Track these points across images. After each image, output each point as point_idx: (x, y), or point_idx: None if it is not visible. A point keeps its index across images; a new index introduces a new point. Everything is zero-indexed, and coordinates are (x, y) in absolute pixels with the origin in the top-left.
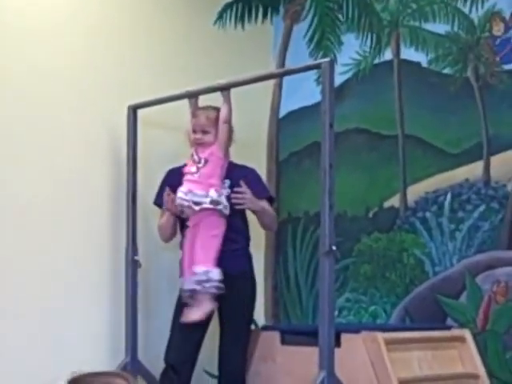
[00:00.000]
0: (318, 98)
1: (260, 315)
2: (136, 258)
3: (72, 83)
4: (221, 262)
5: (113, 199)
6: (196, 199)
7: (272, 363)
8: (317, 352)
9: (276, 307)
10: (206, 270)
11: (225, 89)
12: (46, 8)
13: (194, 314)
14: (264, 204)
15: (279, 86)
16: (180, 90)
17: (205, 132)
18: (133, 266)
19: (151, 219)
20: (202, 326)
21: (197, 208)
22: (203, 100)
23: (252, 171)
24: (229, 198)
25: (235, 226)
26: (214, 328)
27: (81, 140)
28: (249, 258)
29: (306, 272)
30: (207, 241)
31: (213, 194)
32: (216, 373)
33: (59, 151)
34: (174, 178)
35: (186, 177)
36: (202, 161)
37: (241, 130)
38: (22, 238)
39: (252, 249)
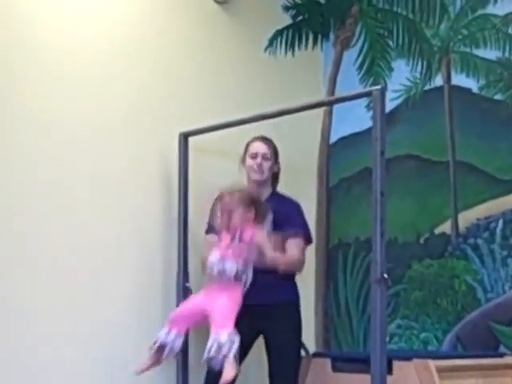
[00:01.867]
0: (368, 123)
1: (311, 342)
2: (187, 284)
3: (125, 110)
4: (267, 291)
5: (164, 226)
6: (222, 268)
7: None
8: (368, 379)
9: (327, 334)
10: (229, 339)
11: (275, 116)
12: (103, 31)
13: (229, 373)
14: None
15: (329, 113)
16: (231, 118)
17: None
18: (184, 292)
19: (202, 246)
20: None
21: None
22: (253, 128)
23: (295, 207)
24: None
25: None
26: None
27: (132, 166)
28: (294, 287)
29: (357, 298)
30: (229, 306)
31: (239, 267)
32: None
33: (110, 176)
34: None
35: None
36: (237, 240)
37: (291, 156)
38: (76, 257)
39: (302, 275)
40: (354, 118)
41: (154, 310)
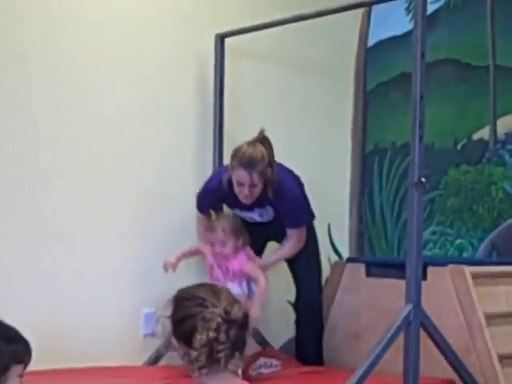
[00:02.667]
0: (407, 27)
1: (345, 248)
2: None
3: (161, 12)
4: None
5: (199, 129)
6: None
7: (356, 295)
8: (402, 285)
9: (361, 240)
10: None
11: (313, 17)
12: None
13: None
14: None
15: (368, 15)
16: (268, 19)
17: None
18: None
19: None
20: None
21: None
22: (291, 28)
23: (289, 201)
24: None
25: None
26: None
27: (168, 69)
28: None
29: (392, 204)
30: None
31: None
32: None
33: (147, 79)
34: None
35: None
36: (231, 273)
37: (328, 59)
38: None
39: (336, 180)
40: (393, 21)
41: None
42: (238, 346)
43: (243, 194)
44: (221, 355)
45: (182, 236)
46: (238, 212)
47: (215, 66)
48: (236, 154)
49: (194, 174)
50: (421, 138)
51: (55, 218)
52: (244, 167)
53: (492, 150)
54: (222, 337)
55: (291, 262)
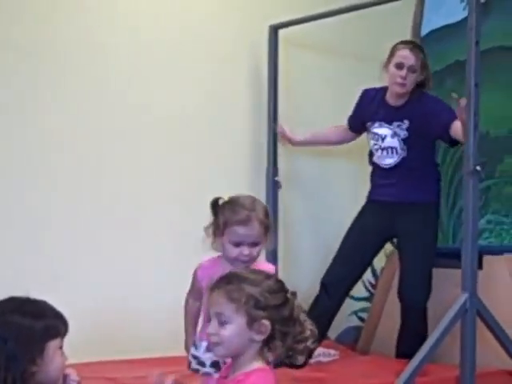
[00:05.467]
0: (461, 15)
1: None
2: (277, 178)
3: (214, 3)
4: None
5: (253, 120)
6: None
7: None
8: (458, 274)
9: None
10: None
11: (367, 6)
12: None
13: None
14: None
15: (421, 4)
16: (321, 10)
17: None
18: (273, 186)
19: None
20: (367, 253)
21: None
22: (344, 19)
23: (437, 101)
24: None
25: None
26: None
27: (222, 61)
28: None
29: (447, 193)
30: None
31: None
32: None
33: (200, 69)
34: (367, 102)
35: None
36: None
37: (381, 48)
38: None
39: None
40: (447, 10)
41: None
42: None
43: (400, 76)
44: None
45: None
46: (374, 127)
47: (269, 56)
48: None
49: (249, 164)
50: (476, 126)
51: (115, 205)
52: (409, 47)
53: None
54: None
55: (399, 244)
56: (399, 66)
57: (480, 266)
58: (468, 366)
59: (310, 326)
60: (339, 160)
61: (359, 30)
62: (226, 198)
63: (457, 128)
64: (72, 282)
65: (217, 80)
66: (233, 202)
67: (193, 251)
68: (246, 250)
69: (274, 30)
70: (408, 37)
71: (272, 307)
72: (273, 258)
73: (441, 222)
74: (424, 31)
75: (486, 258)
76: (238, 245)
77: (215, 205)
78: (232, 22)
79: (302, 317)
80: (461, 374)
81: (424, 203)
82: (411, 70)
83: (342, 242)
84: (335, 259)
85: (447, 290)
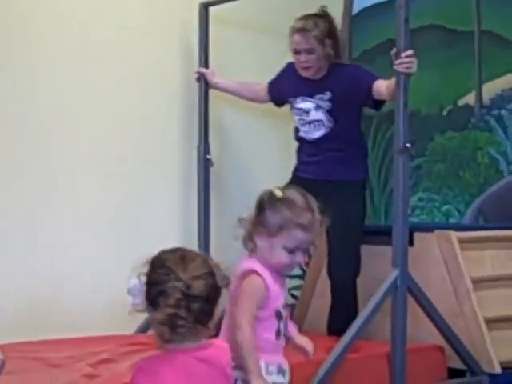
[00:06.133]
0: None
1: None
2: (208, 156)
3: None
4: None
5: (184, 97)
6: None
7: None
8: (390, 251)
9: None
10: None
11: None
12: None
13: None
14: None
15: None
16: None
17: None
18: (205, 164)
19: (224, 116)
20: None
21: None
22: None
23: (351, 68)
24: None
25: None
26: None
27: (151, 38)
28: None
29: (379, 171)
30: None
31: None
32: None
33: (130, 45)
34: (288, 76)
35: None
36: None
37: None
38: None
39: None
40: None
41: (174, 182)
42: (201, 318)
43: (301, 61)
44: (181, 330)
45: (171, 199)
46: (297, 103)
47: (200, 33)
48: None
49: (181, 142)
50: (405, 105)
51: (48, 184)
52: (298, 31)
53: (478, 116)
54: (182, 312)
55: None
56: (296, 52)
57: (411, 243)
58: (399, 341)
59: None
60: (271, 134)
61: (291, 9)
62: (274, 190)
63: (379, 87)
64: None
65: (147, 57)
66: (290, 201)
67: (127, 237)
68: (300, 257)
69: (205, 8)
70: (340, 16)
71: None
72: (205, 236)
73: (373, 200)
74: (356, 9)
75: (418, 235)
76: (292, 251)
77: (268, 200)
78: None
79: None
80: (392, 349)
81: (350, 180)
82: (308, 51)
83: None
84: None
85: (379, 267)
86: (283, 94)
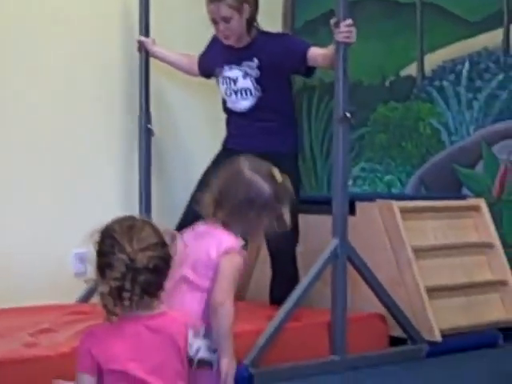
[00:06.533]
0: None
1: None
2: (149, 126)
3: None
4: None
5: (125, 66)
6: None
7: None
8: (331, 220)
9: None
10: None
11: None
12: None
13: None
14: None
15: None
16: None
17: None
18: (146, 134)
19: (164, 86)
20: None
21: None
22: None
23: (280, 36)
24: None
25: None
26: None
27: (93, 13)
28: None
29: (321, 142)
30: None
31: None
32: None
33: (72, 25)
34: (215, 46)
35: None
36: None
37: None
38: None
39: None
40: None
41: (116, 151)
42: (149, 290)
43: (220, 30)
44: (126, 303)
45: (111, 173)
46: (224, 71)
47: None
48: None
49: (122, 112)
50: (345, 73)
51: None
52: (211, 1)
53: (419, 87)
54: (127, 285)
55: None
56: (213, 22)
57: (353, 213)
58: (339, 310)
59: None
60: (209, 103)
61: None
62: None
63: (315, 55)
64: None
65: (89, 36)
66: None
67: (65, 203)
68: None
69: None
70: None
71: None
72: (147, 204)
73: (315, 171)
74: None
75: (359, 205)
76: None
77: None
78: None
79: None
80: (332, 318)
81: (281, 154)
82: (225, 20)
83: (192, 194)
84: (187, 213)
85: (321, 236)
86: (211, 64)
